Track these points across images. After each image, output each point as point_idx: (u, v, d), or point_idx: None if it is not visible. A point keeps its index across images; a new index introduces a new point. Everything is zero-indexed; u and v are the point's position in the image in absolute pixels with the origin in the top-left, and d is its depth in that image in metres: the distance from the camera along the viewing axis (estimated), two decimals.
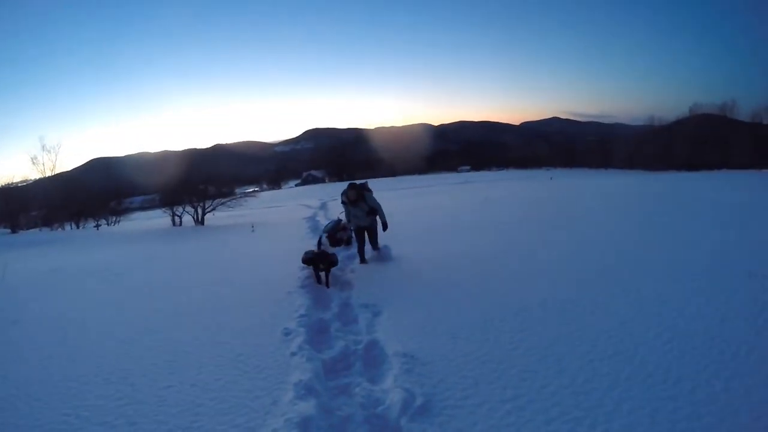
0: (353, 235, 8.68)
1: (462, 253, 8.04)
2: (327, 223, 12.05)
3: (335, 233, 10.31)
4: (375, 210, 8.21)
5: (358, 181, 8.67)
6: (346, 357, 4.39)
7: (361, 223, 8.30)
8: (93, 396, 3.94)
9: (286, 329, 4.97)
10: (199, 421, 3.41)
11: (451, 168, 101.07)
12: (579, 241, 8.30)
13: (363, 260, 8.33)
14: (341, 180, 76.23)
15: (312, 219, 16.41)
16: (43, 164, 36.25)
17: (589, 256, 7.04)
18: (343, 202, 8.42)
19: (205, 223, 21.28)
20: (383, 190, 26.56)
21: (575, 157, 78.85)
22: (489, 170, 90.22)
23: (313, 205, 23.76)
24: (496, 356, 4.03)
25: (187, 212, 22.37)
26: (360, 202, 8.08)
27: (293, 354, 4.34)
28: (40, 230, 29.39)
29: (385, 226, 8.33)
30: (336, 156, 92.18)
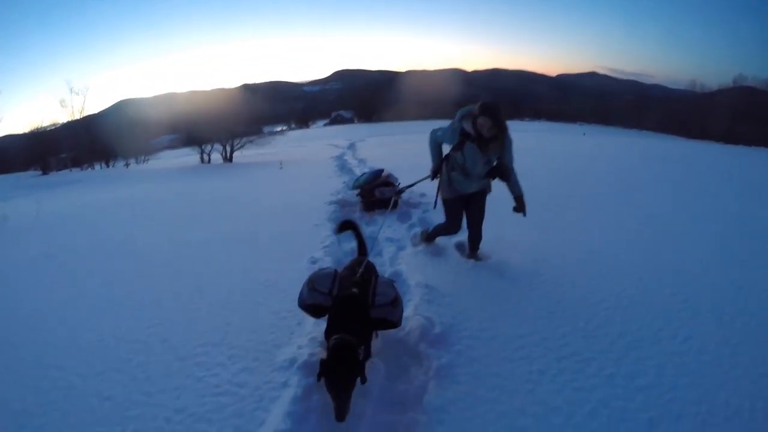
0: (441, 204, 4.82)
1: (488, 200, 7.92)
2: (362, 174, 8.49)
3: (373, 189, 7.43)
4: (503, 171, 4.44)
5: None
6: None
7: (468, 189, 4.64)
8: (126, 317, 4.12)
9: (313, 258, 5.08)
10: (229, 337, 3.57)
11: None
12: (605, 197, 8.04)
13: (431, 241, 5.29)
14: (369, 121, 74.78)
15: (340, 158, 16.30)
16: (72, 107, 36.76)
17: (614, 214, 6.83)
18: (461, 133, 4.38)
19: (233, 160, 21.46)
20: (414, 133, 26.31)
21: (610, 114, 76.09)
22: (521, 120, 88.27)
23: (341, 145, 23.66)
24: (514, 295, 4.08)
25: (216, 150, 22.53)
26: (494, 145, 4.31)
27: None
28: (71, 171, 30.00)
29: (521, 206, 4.56)
30: (365, 97, 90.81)
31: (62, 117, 40.87)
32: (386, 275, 4.60)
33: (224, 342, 3.52)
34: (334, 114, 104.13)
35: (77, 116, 35.37)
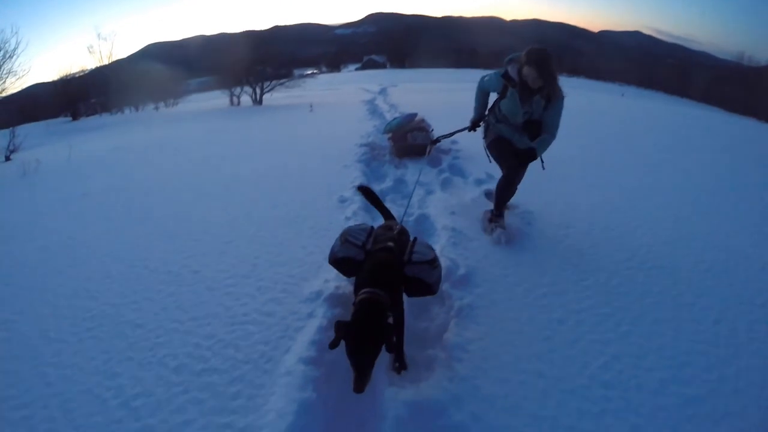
0: (488, 153, 4.36)
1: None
2: (394, 118, 8.14)
3: (405, 134, 6.96)
4: (539, 128, 3.94)
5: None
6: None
7: (513, 139, 4.16)
8: (159, 250, 4.24)
9: (342, 197, 5.13)
10: (257, 270, 3.68)
11: None
12: (640, 160, 7.56)
13: (498, 212, 4.34)
14: (402, 67, 73.20)
15: (371, 103, 16.07)
16: (100, 52, 36.85)
17: (647, 178, 6.51)
18: (504, 77, 3.95)
19: (263, 103, 21.35)
20: (449, 81, 25.78)
21: (652, 77, 72.08)
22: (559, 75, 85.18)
23: (372, 89, 23.31)
24: (539, 245, 4.09)
25: (245, 92, 22.44)
26: (539, 98, 3.83)
27: (347, 218, 4.51)
28: (100, 116, 30.25)
29: (526, 155, 3.90)
30: (399, 42, 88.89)
31: (91, 63, 41.18)
32: (413, 217, 4.63)
33: (253, 274, 3.62)
34: (366, 58, 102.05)
35: (105, 62, 35.29)
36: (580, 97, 18.88)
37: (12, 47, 16.63)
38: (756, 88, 47.40)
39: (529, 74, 3.70)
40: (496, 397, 2.44)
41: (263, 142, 9.30)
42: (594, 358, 2.71)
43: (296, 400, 2.33)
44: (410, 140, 6.87)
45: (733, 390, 2.52)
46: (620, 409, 2.38)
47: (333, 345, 2.23)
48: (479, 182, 5.62)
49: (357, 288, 2.54)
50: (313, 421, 2.28)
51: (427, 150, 4.99)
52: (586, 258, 3.87)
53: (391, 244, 2.71)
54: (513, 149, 4.12)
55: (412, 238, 2.91)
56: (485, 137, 4.37)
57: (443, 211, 4.77)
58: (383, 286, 2.42)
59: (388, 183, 5.82)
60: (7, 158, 11.89)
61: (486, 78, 4.18)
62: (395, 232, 2.90)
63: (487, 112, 4.35)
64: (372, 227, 3.00)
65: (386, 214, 3.49)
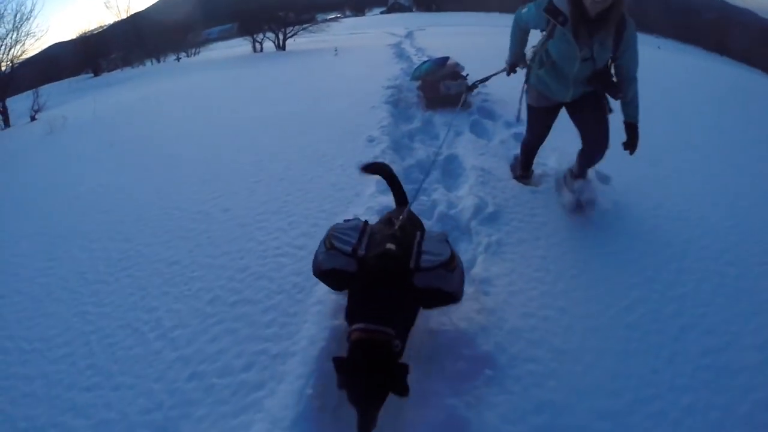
0: (526, 114, 3.63)
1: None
2: (424, 62, 6.97)
3: (437, 82, 6.18)
4: (613, 78, 3.10)
5: None
6: (425, 165, 4.42)
7: (562, 95, 3.27)
8: (189, 192, 4.34)
9: (370, 137, 5.07)
10: (288, 206, 3.73)
11: None
12: (669, 111, 6.92)
13: (525, 173, 4.06)
14: (429, 10, 70.91)
15: (397, 46, 15.64)
16: (117, 7, 36.65)
17: (673, 130, 6.08)
18: (548, 11, 2.90)
19: (287, 48, 21.07)
20: (480, 26, 25.04)
21: (689, 32, 67.99)
22: None
23: (398, 33, 22.75)
24: None
25: (268, 38, 22.16)
26: (602, 33, 2.88)
27: (376, 157, 4.45)
28: (122, 70, 30.29)
29: (633, 139, 3.30)
30: None
31: (108, 18, 41.13)
32: (442, 157, 4.56)
33: (283, 210, 3.67)
34: (391, 1, 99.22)
35: (123, 15, 35.18)
36: None
37: (29, 9, 16.69)
38: None
39: None
40: (522, 330, 2.48)
41: (289, 86, 9.22)
42: (617, 299, 2.72)
43: (328, 327, 2.41)
44: (443, 90, 6.09)
45: (750, 345, 2.50)
46: (640, 350, 2.41)
47: (340, 385, 1.84)
48: (508, 125, 5.50)
49: (350, 314, 2.05)
50: (344, 346, 2.36)
51: (462, 99, 4.55)
52: (614, 203, 3.80)
53: (391, 246, 2.09)
54: (551, 111, 3.46)
55: (418, 232, 2.30)
56: (526, 82, 3.46)
57: (472, 151, 4.70)
58: (387, 316, 1.92)
59: (416, 124, 5.74)
60: (33, 118, 12.09)
61: (524, 11, 3.22)
62: (397, 226, 2.28)
63: (530, 55, 3.39)
64: (366, 222, 2.31)
65: (399, 196, 2.77)
